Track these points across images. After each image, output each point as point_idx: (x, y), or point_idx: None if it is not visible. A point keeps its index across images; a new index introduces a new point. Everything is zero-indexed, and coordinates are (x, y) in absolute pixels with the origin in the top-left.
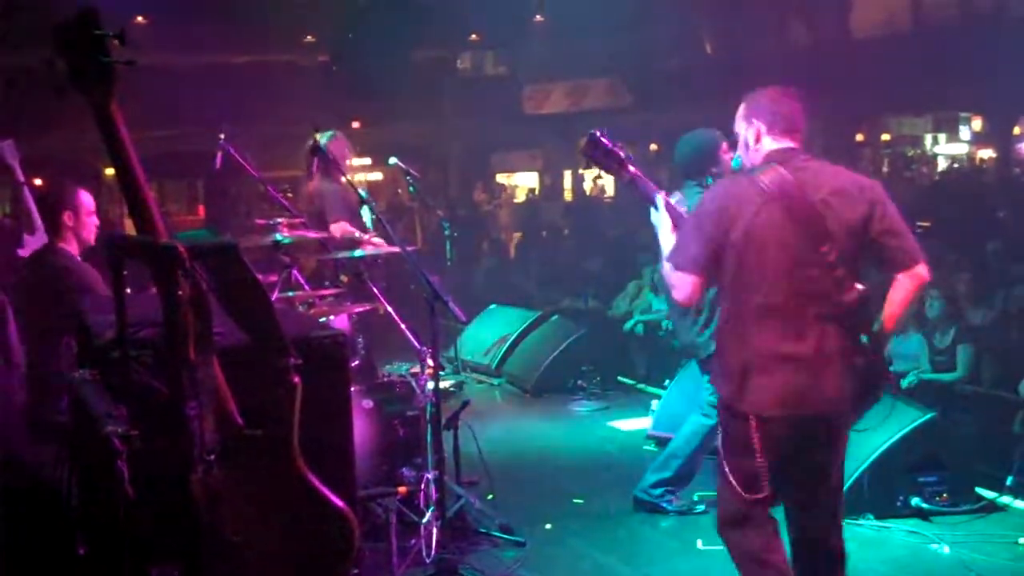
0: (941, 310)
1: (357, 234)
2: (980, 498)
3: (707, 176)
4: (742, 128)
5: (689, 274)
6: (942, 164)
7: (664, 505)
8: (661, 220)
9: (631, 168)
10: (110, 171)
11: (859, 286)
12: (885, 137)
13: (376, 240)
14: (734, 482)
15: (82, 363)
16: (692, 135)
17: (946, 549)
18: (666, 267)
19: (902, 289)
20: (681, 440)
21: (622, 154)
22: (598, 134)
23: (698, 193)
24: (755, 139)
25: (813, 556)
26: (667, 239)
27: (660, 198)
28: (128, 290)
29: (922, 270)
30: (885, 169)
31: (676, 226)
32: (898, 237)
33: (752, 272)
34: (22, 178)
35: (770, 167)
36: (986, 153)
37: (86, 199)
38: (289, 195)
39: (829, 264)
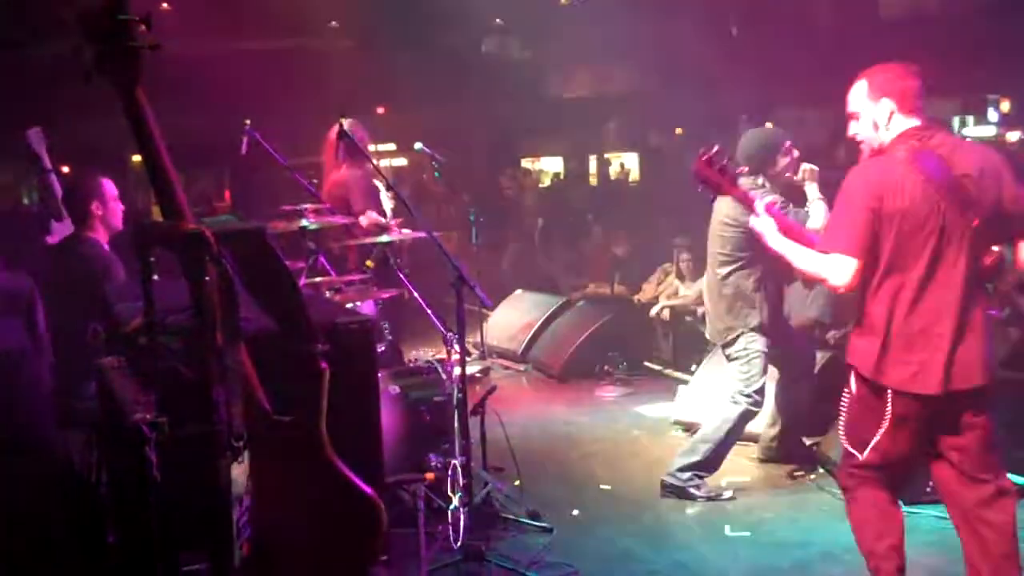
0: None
1: (382, 220)
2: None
3: (763, 174)
4: (867, 107)
5: (849, 256)
6: None
7: (691, 491)
8: (764, 225)
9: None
10: (137, 158)
11: (995, 248)
12: None
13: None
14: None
15: (110, 350)
16: (761, 131)
17: None
18: (810, 257)
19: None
20: (711, 426)
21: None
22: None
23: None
24: (887, 118)
25: None
26: (777, 241)
27: (760, 204)
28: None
29: None
30: None
31: (782, 227)
32: (1018, 202)
33: (907, 246)
34: (49, 165)
35: (909, 145)
36: (1014, 135)
37: (109, 187)
38: (315, 181)
39: (976, 231)
